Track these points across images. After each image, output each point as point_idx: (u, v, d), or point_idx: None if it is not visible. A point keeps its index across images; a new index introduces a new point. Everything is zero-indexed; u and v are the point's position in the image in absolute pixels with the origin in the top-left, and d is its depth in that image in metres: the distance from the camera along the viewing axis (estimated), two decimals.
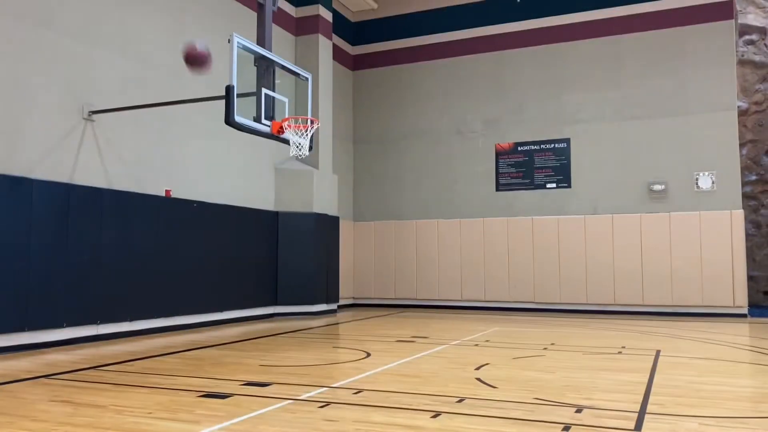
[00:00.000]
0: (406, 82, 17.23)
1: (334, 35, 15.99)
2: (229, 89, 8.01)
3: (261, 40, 8.79)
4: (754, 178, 17.61)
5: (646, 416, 4.74)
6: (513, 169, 15.93)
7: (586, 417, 4.73)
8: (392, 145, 17.28)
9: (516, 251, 15.47)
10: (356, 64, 17.88)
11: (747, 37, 17.87)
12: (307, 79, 9.70)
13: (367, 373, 6.65)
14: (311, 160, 14.24)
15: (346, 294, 16.31)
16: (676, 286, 13.92)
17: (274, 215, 13.61)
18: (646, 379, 6.28)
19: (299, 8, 15.01)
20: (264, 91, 8.60)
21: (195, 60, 7.58)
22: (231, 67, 8.03)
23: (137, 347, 8.77)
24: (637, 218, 14.53)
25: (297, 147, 8.88)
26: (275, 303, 13.51)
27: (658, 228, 14.31)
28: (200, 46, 7.53)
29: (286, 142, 8.88)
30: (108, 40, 9.94)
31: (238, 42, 8.12)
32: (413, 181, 16.96)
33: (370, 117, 17.60)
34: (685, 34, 14.56)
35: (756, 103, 17.68)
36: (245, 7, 12.81)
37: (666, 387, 5.93)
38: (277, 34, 12.29)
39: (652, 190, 14.57)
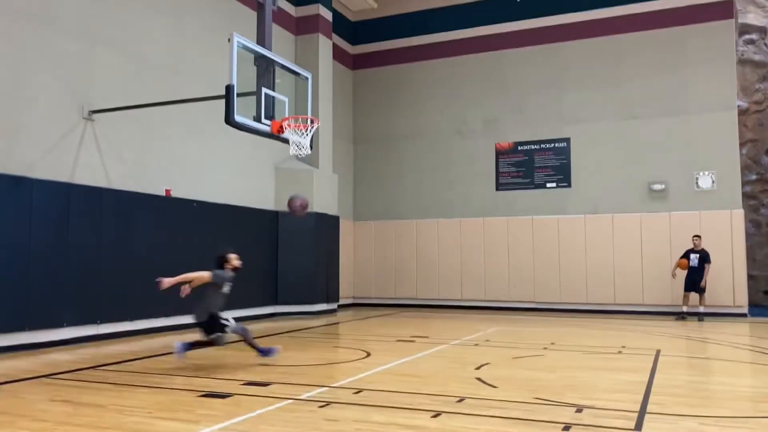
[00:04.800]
0: (406, 82, 17.22)
1: (334, 35, 15.98)
2: (229, 89, 8.00)
3: (261, 40, 8.78)
4: (754, 177, 17.60)
5: (646, 416, 4.74)
6: (513, 169, 15.93)
7: (586, 417, 4.73)
8: (392, 145, 17.27)
9: (516, 251, 15.47)
10: (356, 63, 17.87)
11: (747, 36, 17.87)
12: (307, 78, 9.69)
13: (367, 373, 6.65)
14: (311, 160, 14.23)
15: (346, 294, 16.30)
16: (677, 286, 13.90)
17: (274, 215, 13.61)
18: (646, 379, 6.28)
19: (299, 8, 15.00)
20: (264, 90, 8.59)
21: (296, 209, 8.62)
22: (231, 67, 8.02)
23: (137, 347, 8.77)
24: (637, 218, 14.52)
25: (297, 146, 8.87)
26: (275, 303, 13.50)
27: (658, 228, 14.30)
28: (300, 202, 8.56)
29: (286, 141, 8.87)
30: (108, 40, 9.93)
31: (238, 41, 8.11)
32: (413, 181, 16.95)
33: (370, 117, 17.58)
34: (685, 33, 14.55)
35: (756, 103, 17.67)
36: (245, 7, 12.81)
37: (666, 387, 5.93)
38: (277, 33, 12.27)
39: (652, 190, 14.56)
